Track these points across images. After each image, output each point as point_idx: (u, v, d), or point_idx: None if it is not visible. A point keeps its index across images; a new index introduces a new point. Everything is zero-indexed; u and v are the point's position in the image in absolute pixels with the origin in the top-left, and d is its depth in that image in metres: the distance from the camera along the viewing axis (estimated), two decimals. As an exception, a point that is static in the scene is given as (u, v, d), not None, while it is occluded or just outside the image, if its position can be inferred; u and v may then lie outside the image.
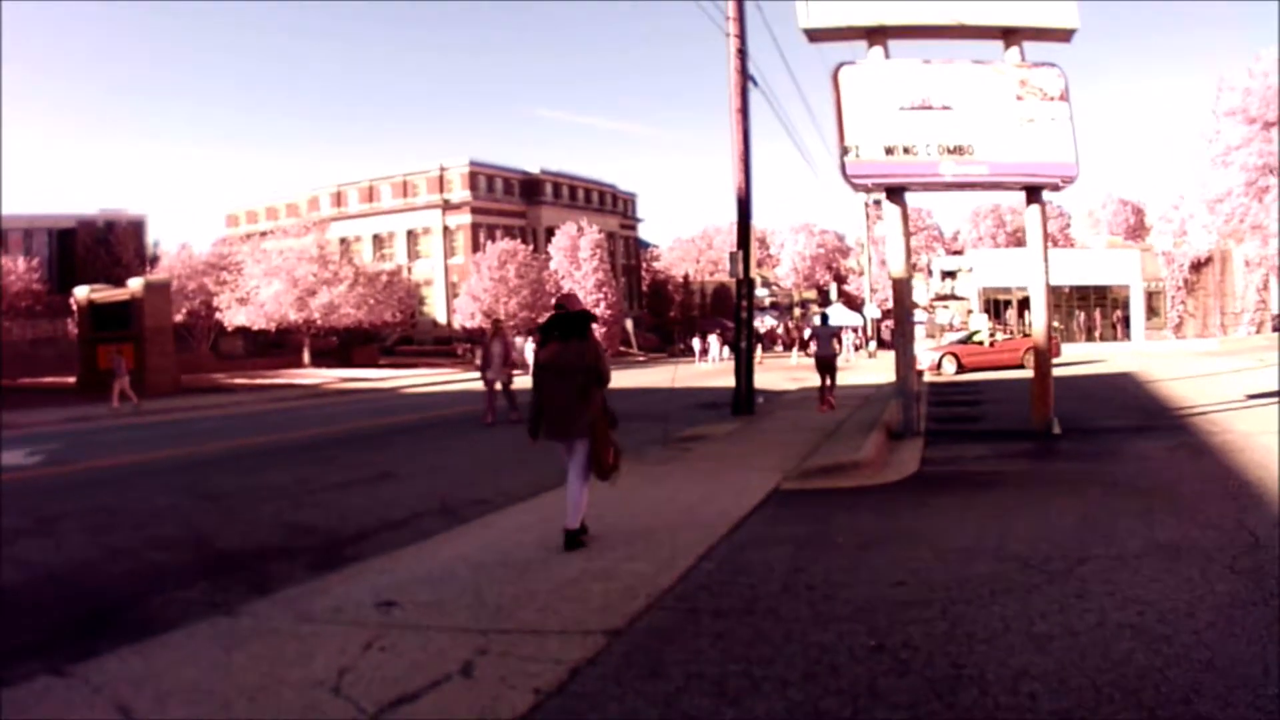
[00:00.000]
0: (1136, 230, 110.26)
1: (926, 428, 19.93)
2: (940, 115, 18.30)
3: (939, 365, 44.43)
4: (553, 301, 10.93)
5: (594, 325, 10.47)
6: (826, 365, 26.69)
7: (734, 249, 25.74)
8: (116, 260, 77.98)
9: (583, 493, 10.08)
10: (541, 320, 14.08)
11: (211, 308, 67.49)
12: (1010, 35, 18.74)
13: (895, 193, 18.90)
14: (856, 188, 19.12)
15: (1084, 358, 48.26)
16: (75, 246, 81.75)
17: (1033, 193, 19.01)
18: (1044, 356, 19.24)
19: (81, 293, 52.17)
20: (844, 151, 18.18)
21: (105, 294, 51.72)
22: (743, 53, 25.12)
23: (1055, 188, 19.33)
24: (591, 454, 10.05)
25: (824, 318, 28.85)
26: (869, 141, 18.20)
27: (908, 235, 19.20)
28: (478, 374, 28.04)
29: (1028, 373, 39.81)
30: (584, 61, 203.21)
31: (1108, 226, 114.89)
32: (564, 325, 10.10)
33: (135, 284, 49.07)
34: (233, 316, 67.02)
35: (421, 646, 6.84)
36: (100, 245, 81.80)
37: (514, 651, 6.71)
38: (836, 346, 30.36)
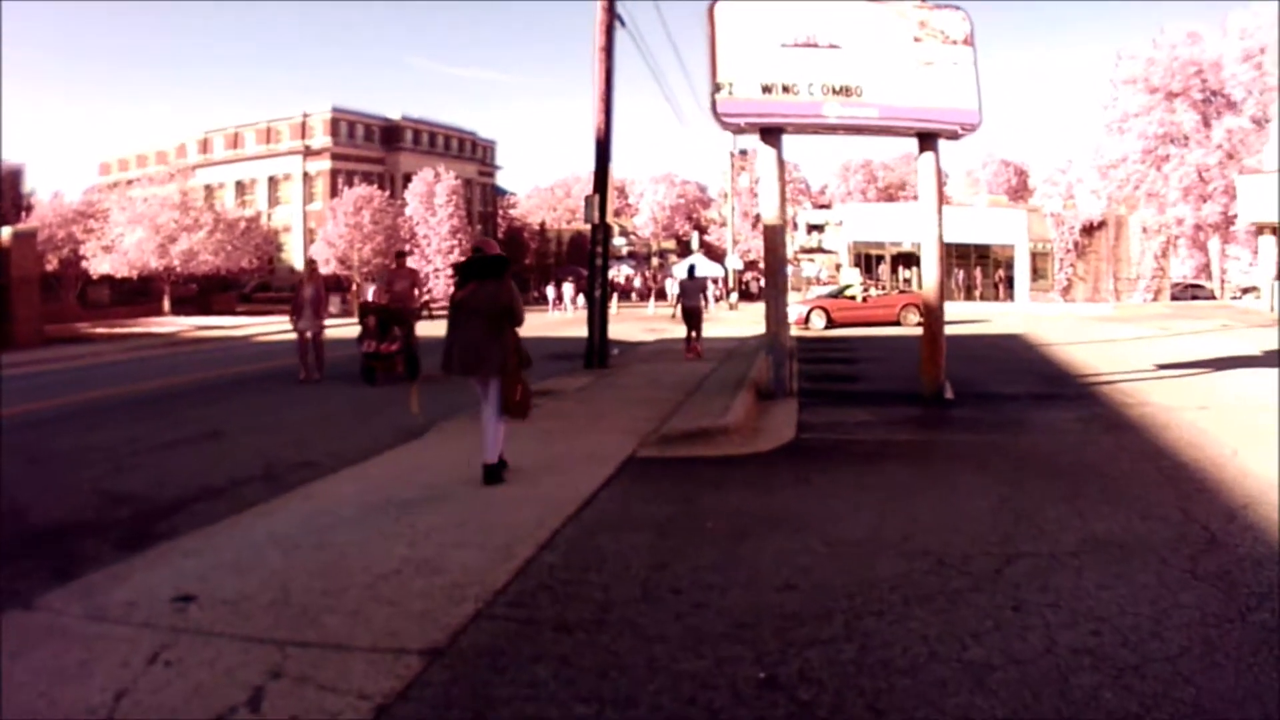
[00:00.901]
0: (1019, 192, 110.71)
1: (800, 388, 18.50)
2: (827, 54, 16.89)
3: (807, 320, 43.27)
4: (471, 246, 11.92)
5: (508, 268, 11.00)
6: (693, 316, 27.20)
7: (590, 194, 24.36)
8: None
9: (499, 429, 10.62)
10: (392, 264, 20.80)
11: (79, 256, 66.39)
12: (910, -29, 17.43)
13: (771, 134, 17.34)
14: (727, 127, 17.41)
15: (966, 316, 46.43)
16: None
17: (927, 140, 17.61)
18: (936, 315, 17.86)
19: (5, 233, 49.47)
20: (715, 89, 16.65)
21: (-26, 243, 48.87)
22: (612, -12, 23.94)
23: (954, 135, 17.73)
24: (506, 393, 10.50)
25: (691, 269, 29.07)
26: (744, 79, 16.70)
27: (783, 181, 17.74)
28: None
29: (903, 330, 41.55)
30: (452, 7, 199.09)
31: (987, 186, 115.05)
32: (480, 268, 10.67)
33: (4, 233, 46.01)
34: (98, 265, 65.99)
35: (210, 662, 5.73)
36: None
37: (313, 676, 5.43)
38: (703, 300, 30.16)
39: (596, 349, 23.68)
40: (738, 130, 17.72)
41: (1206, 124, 59.67)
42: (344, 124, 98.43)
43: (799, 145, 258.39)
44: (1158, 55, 56.77)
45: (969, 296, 68.96)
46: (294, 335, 23.05)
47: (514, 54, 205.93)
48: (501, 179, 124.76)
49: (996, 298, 70.21)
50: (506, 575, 7.17)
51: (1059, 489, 9.88)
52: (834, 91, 16.80)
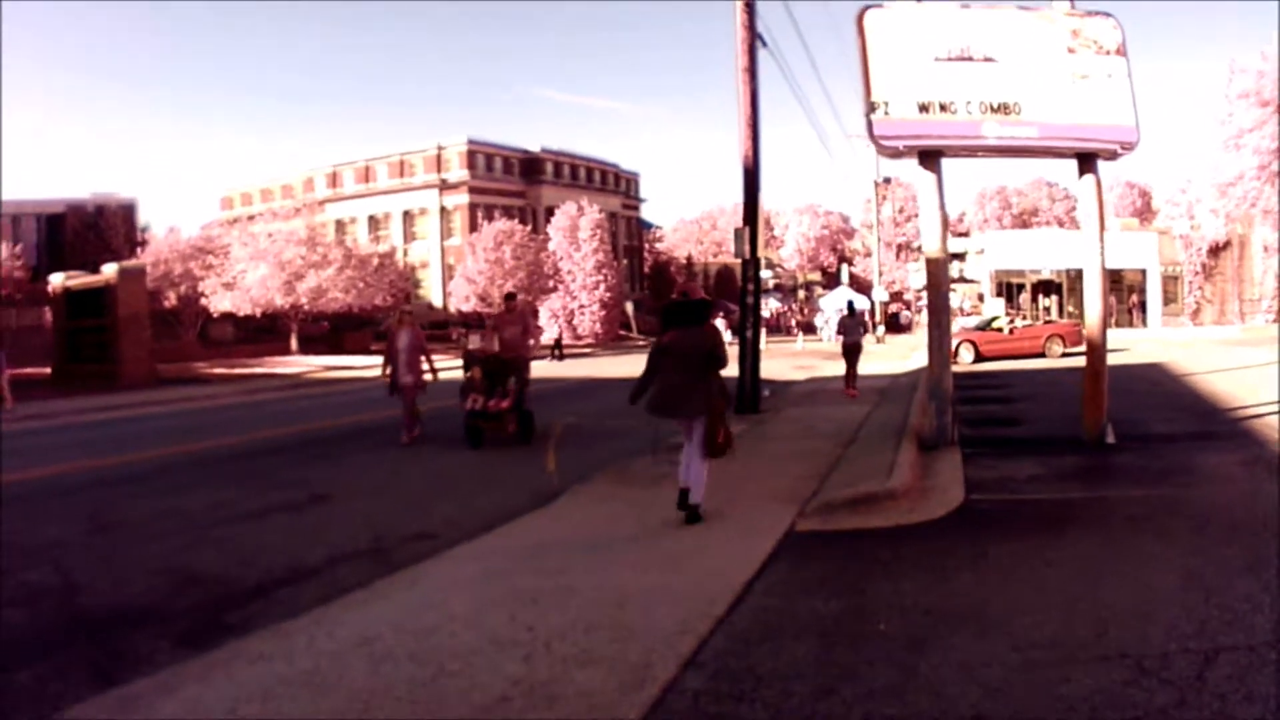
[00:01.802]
0: (1143, 214, 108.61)
1: (959, 434, 16.94)
2: (982, 68, 15.49)
3: (955, 353, 40.47)
4: (675, 293, 11.80)
5: (713, 311, 11.91)
6: (853, 354, 26.87)
7: (740, 226, 23.03)
8: (106, 245, 74.73)
9: (703, 469, 10.99)
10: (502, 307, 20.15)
11: (198, 294, 64.88)
12: (1057, -23, 15.99)
13: (930, 157, 15.90)
14: (884, 151, 16.01)
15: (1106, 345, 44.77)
16: (64, 232, 79.29)
17: (1087, 160, 16.06)
18: (1099, 351, 16.27)
19: (57, 279, 49.97)
20: (870, 108, 15.28)
21: (80, 281, 49.19)
22: (750, 7, 22.74)
23: (1112, 155, 16.19)
24: (708, 433, 10.80)
25: (850, 305, 28.40)
26: (900, 97, 15.31)
27: (944, 209, 16.27)
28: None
29: (1050, 362, 41.01)
30: (585, 37, 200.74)
31: (1114, 209, 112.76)
32: (685, 312, 11.14)
33: (110, 270, 46.48)
34: (218, 302, 64.25)
35: None
36: (89, 230, 79.16)
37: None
38: (861, 333, 29.15)
39: (748, 392, 22.42)
40: (895, 154, 16.12)
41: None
42: (481, 156, 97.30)
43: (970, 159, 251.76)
44: (1266, 68, 54.24)
45: None
46: (441, 375, 21.02)
47: (651, 83, 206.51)
48: (646, 212, 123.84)
49: (1130, 324, 68.35)
50: (640, 709, 5.82)
51: (1241, 555, 8.87)
52: (992, 110, 15.45)
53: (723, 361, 10.99)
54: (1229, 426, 17.95)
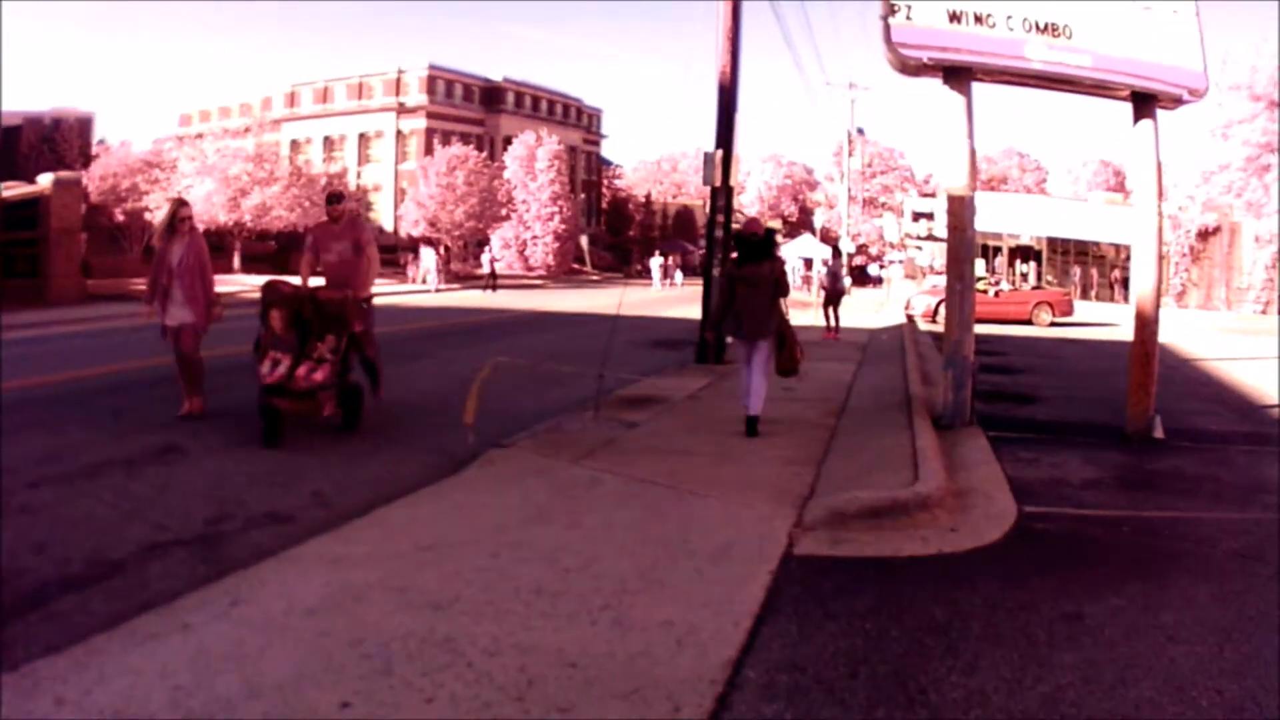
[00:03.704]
0: (1116, 193, 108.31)
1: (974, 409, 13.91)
2: (1028, -22, 12.63)
3: (935, 312, 39.99)
4: (744, 224, 13.44)
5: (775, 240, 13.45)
6: (835, 300, 29.37)
7: (713, 150, 19.88)
8: (60, 159, 71.54)
9: (762, 386, 11.98)
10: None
11: (145, 208, 62.41)
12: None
13: (959, 77, 12.87)
14: (904, 63, 12.62)
15: (1093, 319, 43.91)
16: (19, 145, 75.82)
17: (1144, 104, 13.13)
18: (1151, 330, 13.41)
19: (-7, 190, 46.65)
20: (890, 10, 12.29)
21: (16, 192, 45.81)
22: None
23: (1175, 101, 13.14)
24: (783, 352, 12.11)
25: (835, 252, 28.07)
26: (925, 2, 12.39)
27: (972, 136, 13.12)
28: (413, 285, 18.17)
29: (1039, 331, 39.27)
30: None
31: (1087, 185, 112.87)
32: (753, 245, 12.29)
33: (45, 180, 43.49)
34: (163, 217, 60.46)
35: None
36: (45, 143, 76.42)
37: None
38: (844, 282, 31.06)
39: (713, 339, 19.02)
40: (916, 69, 12.81)
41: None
42: (441, 82, 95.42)
43: (901, 130, 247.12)
44: (1260, 64, 53.85)
45: (1084, 296, 66.77)
46: (385, 300, 15.07)
47: (620, 23, 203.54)
48: (607, 149, 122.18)
49: (1111, 299, 67.74)
50: None
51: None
52: (1038, 29, 12.58)
53: (787, 290, 12.35)
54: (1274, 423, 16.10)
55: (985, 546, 7.80)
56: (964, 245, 13.37)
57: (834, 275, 30.25)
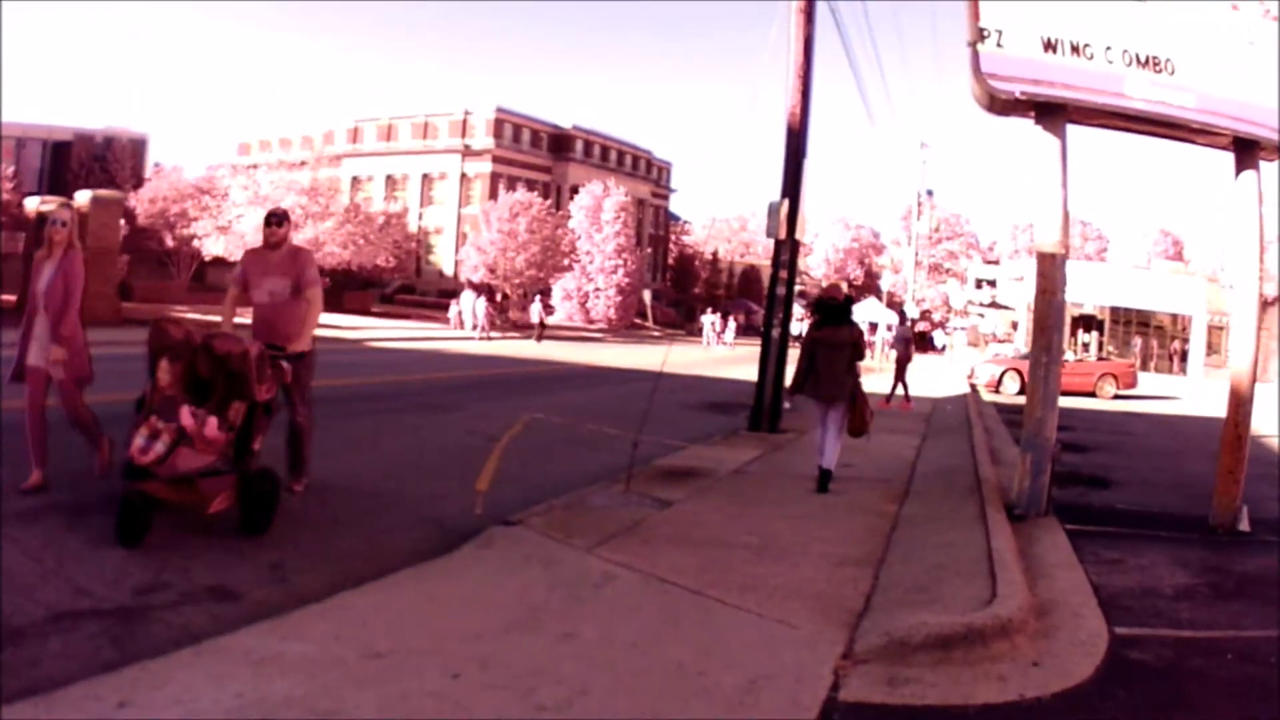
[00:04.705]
0: (1177, 261, 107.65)
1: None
2: (1127, 6, 11.15)
3: (999, 382, 39.19)
4: (825, 289, 14.30)
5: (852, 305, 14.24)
6: (903, 365, 28.04)
7: (779, 200, 18.36)
8: (110, 179, 72.60)
9: (836, 445, 12.41)
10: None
11: (192, 235, 62.03)
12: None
13: (1053, 115, 11.34)
14: (993, 97, 11.03)
15: (1156, 392, 42.83)
16: (69, 161, 77.30)
17: (1246, 151, 11.59)
18: (1245, 409, 11.80)
19: (31, 204, 46.21)
20: (979, 36, 10.81)
21: (51, 206, 45.26)
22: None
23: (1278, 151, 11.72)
24: (854, 414, 12.47)
25: (902, 317, 26.97)
26: (1019, 26, 10.90)
27: (1066, 185, 11.59)
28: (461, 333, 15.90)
29: (1103, 404, 37.96)
30: (634, 24, 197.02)
31: (1146, 256, 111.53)
32: (833, 310, 12.82)
33: (82, 198, 42.89)
34: (211, 246, 60.97)
35: None
36: (96, 162, 77.55)
37: None
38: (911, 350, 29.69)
39: (768, 405, 17.88)
40: (1006, 105, 11.27)
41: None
42: (509, 126, 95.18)
43: (962, 198, 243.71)
44: None
45: (1144, 368, 64.86)
46: (429, 345, 13.24)
47: (691, 71, 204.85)
48: (676, 204, 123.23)
49: (1170, 370, 67.39)
50: None
51: None
52: (1139, 62, 11.12)
53: (863, 354, 13.01)
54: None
55: (1074, 689, 6.14)
56: (1053, 311, 11.72)
57: (905, 341, 29.26)
